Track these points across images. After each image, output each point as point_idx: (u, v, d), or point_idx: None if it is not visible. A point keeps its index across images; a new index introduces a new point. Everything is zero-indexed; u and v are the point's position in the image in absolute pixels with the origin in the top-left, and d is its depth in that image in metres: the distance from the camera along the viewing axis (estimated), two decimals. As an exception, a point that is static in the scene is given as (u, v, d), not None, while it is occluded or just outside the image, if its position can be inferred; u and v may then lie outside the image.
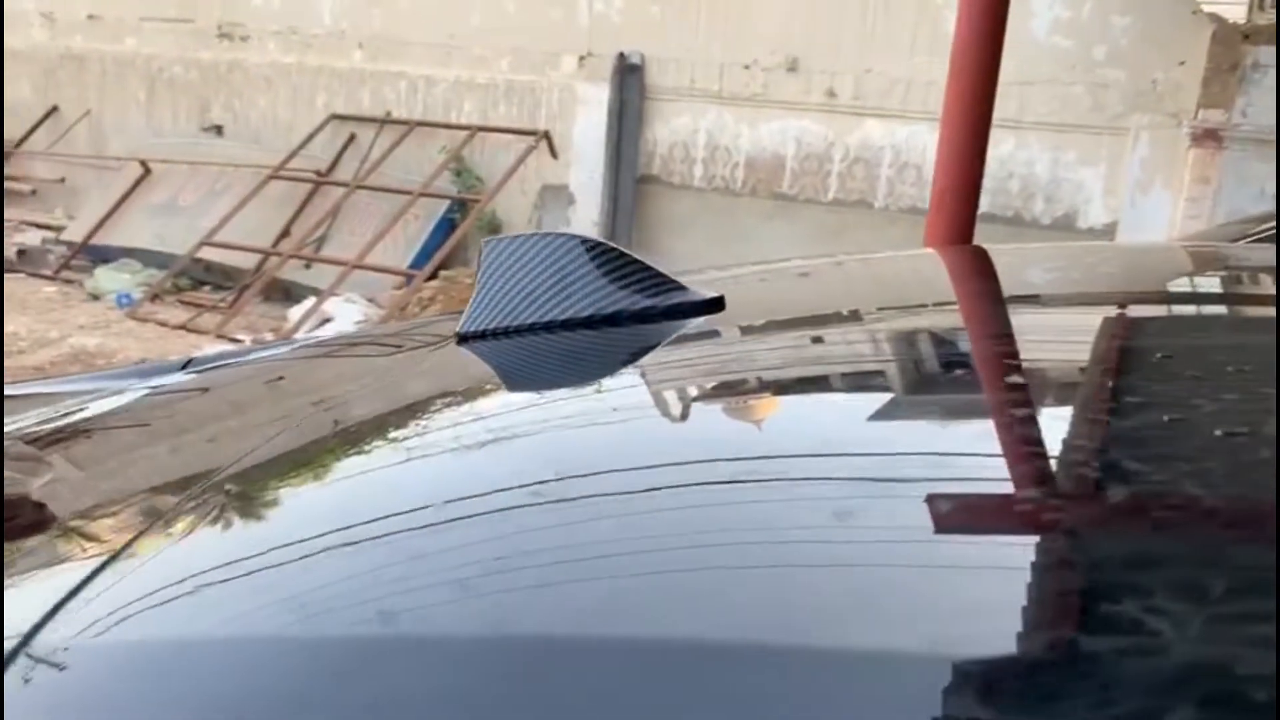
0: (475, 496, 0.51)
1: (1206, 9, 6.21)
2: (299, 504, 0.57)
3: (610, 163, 7.16)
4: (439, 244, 7.18)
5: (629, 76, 7.14)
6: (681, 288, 0.76)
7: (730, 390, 0.68)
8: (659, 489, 0.49)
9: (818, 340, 0.77)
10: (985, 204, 6.64)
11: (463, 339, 0.79)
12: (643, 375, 0.70)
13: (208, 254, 7.54)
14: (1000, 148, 6.45)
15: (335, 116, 8.12)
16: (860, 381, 0.70)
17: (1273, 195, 6.17)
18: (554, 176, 7.42)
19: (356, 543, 0.48)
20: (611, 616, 0.39)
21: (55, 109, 9.42)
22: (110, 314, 6.94)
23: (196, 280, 7.68)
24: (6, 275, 7.65)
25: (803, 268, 1.29)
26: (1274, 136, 6.13)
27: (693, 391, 0.67)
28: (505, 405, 0.68)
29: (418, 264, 7.15)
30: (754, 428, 0.61)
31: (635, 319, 0.74)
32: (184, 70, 8.90)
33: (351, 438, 0.66)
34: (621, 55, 7.10)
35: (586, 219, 7.35)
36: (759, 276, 1.22)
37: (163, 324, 6.74)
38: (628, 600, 0.40)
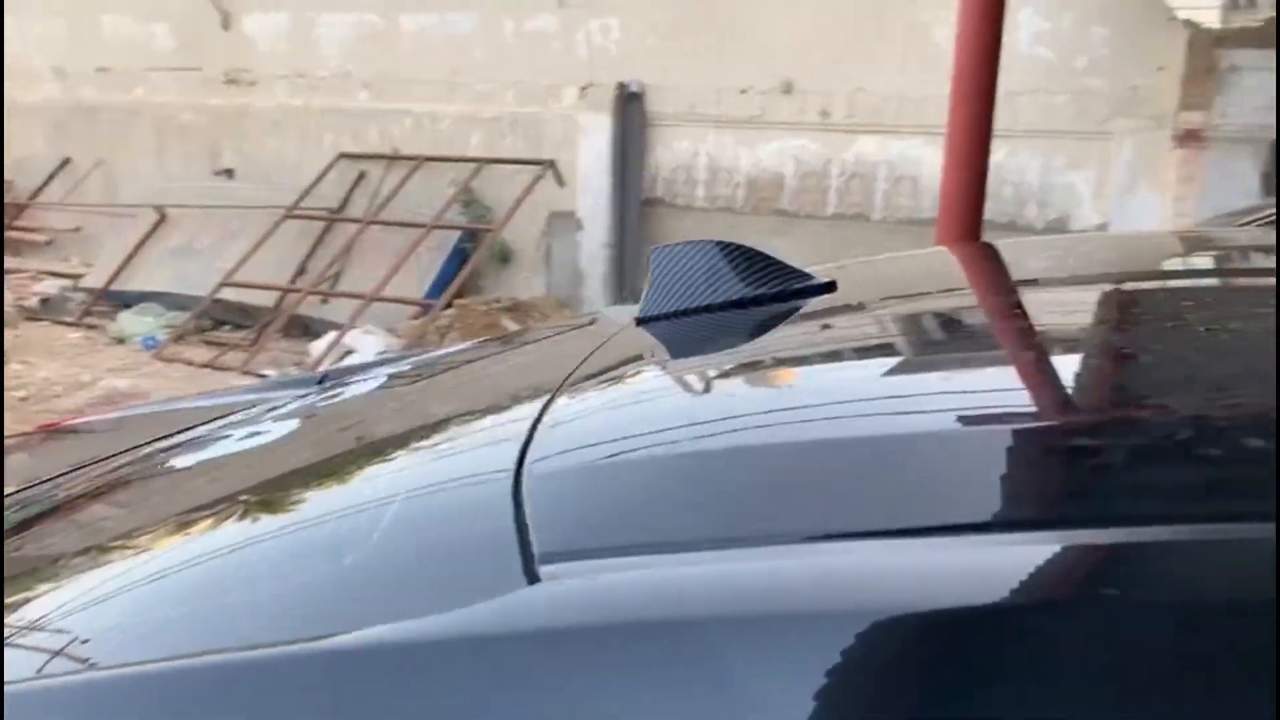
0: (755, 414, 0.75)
1: (1181, 15, 6.49)
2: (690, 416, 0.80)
3: (615, 188, 7.41)
4: (453, 274, 7.41)
5: (630, 105, 7.39)
6: (803, 275, 0.98)
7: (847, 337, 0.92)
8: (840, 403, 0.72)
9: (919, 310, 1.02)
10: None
11: (640, 322, 1.02)
12: (800, 335, 0.93)
13: (227, 294, 7.77)
14: (993, 156, 6.66)
15: (344, 155, 8.37)
16: (958, 342, 0.93)
17: (1255, 191, 6.42)
18: (561, 203, 7.67)
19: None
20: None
21: (68, 160, 9.66)
22: (138, 356, 7.15)
23: (217, 320, 7.90)
24: (31, 322, 7.86)
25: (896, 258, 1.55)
26: (1254, 135, 6.40)
27: (833, 345, 0.90)
28: (729, 360, 0.93)
29: (433, 294, 7.37)
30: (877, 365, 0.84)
31: (773, 299, 0.96)
32: (193, 117, 9.15)
33: (638, 385, 0.91)
34: (621, 85, 7.36)
35: (595, 242, 7.59)
36: (857, 268, 1.47)
37: (189, 363, 6.95)
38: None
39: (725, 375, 0.87)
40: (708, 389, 0.83)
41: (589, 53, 7.53)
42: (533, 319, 7.41)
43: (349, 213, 8.19)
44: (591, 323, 1.45)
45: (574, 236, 7.69)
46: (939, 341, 0.92)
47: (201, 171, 9.10)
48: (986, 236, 6.63)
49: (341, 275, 7.86)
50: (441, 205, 7.66)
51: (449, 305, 7.06)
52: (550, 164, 7.57)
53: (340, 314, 7.31)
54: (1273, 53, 6.26)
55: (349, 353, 6.74)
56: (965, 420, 0.68)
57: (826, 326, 0.95)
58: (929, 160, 6.94)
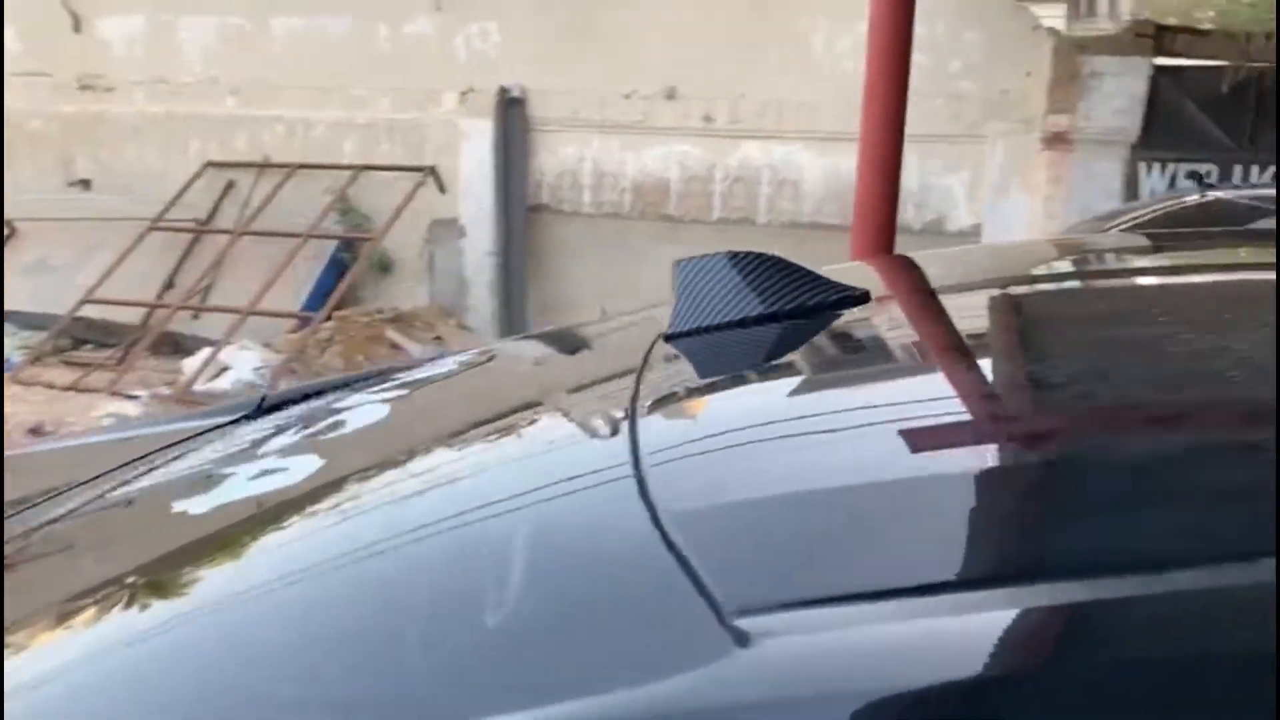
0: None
1: (1045, 23, 6.76)
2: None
3: (499, 194, 7.30)
4: (332, 285, 7.18)
5: (511, 109, 7.29)
6: (837, 285, 0.94)
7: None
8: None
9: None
10: (861, 214, 7.04)
11: (669, 338, 0.96)
12: (851, 350, 0.90)
13: (89, 311, 7.34)
14: (872, 160, 6.85)
15: (211, 164, 8.02)
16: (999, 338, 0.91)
17: (1117, 191, 6.73)
18: (443, 210, 7.51)
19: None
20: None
21: (-96, 172, 8.99)
22: (-10, 379, 6.69)
23: (77, 339, 7.46)
24: None
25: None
26: (1114, 137, 6.70)
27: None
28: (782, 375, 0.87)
29: (311, 306, 7.12)
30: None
31: (805, 313, 0.92)
32: (44, 125, 8.64)
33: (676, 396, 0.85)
34: (503, 89, 7.26)
35: (479, 250, 7.46)
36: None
37: (50, 386, 6.55)
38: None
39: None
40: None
41: (468, 57, 7.40)
42: (416, 329, 7.24)
43: (218, 223, 7.86)
44: (490, 359, 1.36)
45: (457, 244, 7.55)
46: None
47: (55, 182, 8.59)
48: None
49: (212, 289, 7.53)
50: (317, 214, 7.41)
51: (329, 317, 6.82)
52: (431, 170, 7.41)
53: (213, 330, 6.99)
54: (1130, 59, 6.58)
55: (224, 370, 6.46)
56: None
57: (898, 340, 0.92)
58: (809, 165, 7.06)
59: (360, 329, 6.94)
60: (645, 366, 0.87)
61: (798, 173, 7.06)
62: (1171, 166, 6.68)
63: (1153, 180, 6.71)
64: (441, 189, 7.43)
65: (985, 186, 6.90)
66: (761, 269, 0.94)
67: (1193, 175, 4.48)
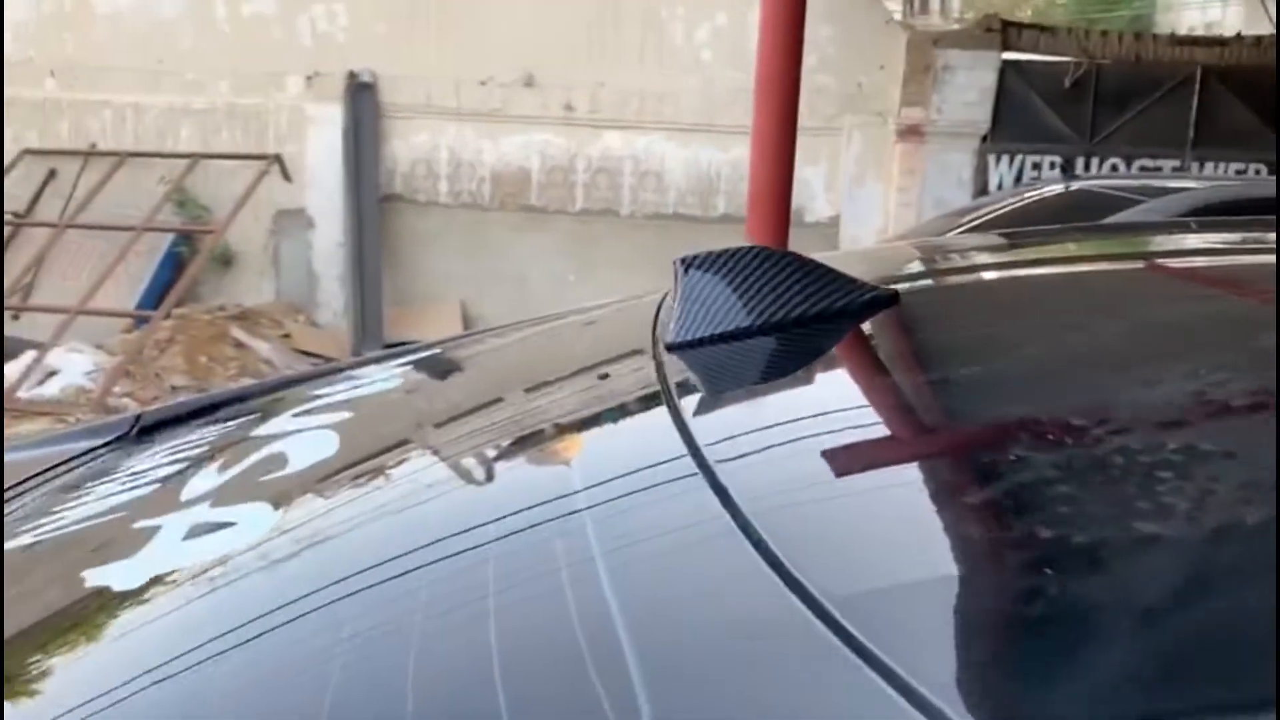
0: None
1: (898, 17, 6.86)
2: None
3: (350, 184, 6.97)
4: (169, 281, 6.73)
5: (361, 95, 6.97)
6: (861, 286, 0.81)
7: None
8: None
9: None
10: (722, 206, 7.03)
11: (671, 348, 0.81)
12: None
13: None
14: (734, 152, 6.84)
15: (29, 151, 7.41)
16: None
17: (968, 182, 6.90)
18: (289, 201, 7.13)
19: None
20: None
21: None
22: None
23: (-124, 342, 6.78)
24: None
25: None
26: (964, 130, 6.86)
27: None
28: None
29: (147, 304, 6.67)
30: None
31: (830, 318, 0.79)
32: None
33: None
34: (352, 74, 6.93)
35: (329, 242, 7.12)
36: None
37: None
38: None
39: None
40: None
41: (313, 39, 7.03)
42: (263, 326, 6.85)
43: (39, 216, 7.27)
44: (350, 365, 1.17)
45: (305, 236, 7.19)
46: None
47: None
48: (731, 233, 6.76)
49: (35, 287, 6.96)
50: (152, 206, 6.92)
51: (168, 316, 6.38)
52: (275, 158, 7.02)
53: (38, 331, 6.45)
54: (980, 53, 6.75)
55: (52, 374, 5.97)
56: None
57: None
58: (672, 155, 6.99)
59: (202, 328, 6.53)
60: (672, 394, 0.72)
61: (660, 164, 6.99)
62: (1019, 158, 6.89)
63: (1001, 171, 6.91)
64: (287, 178, 7.06)
65: (842, 178, 6.97)
66: (775, 267, 0.80)
67: (1063, 167, 4.59)
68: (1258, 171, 6.60)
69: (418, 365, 1.16)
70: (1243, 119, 6.77)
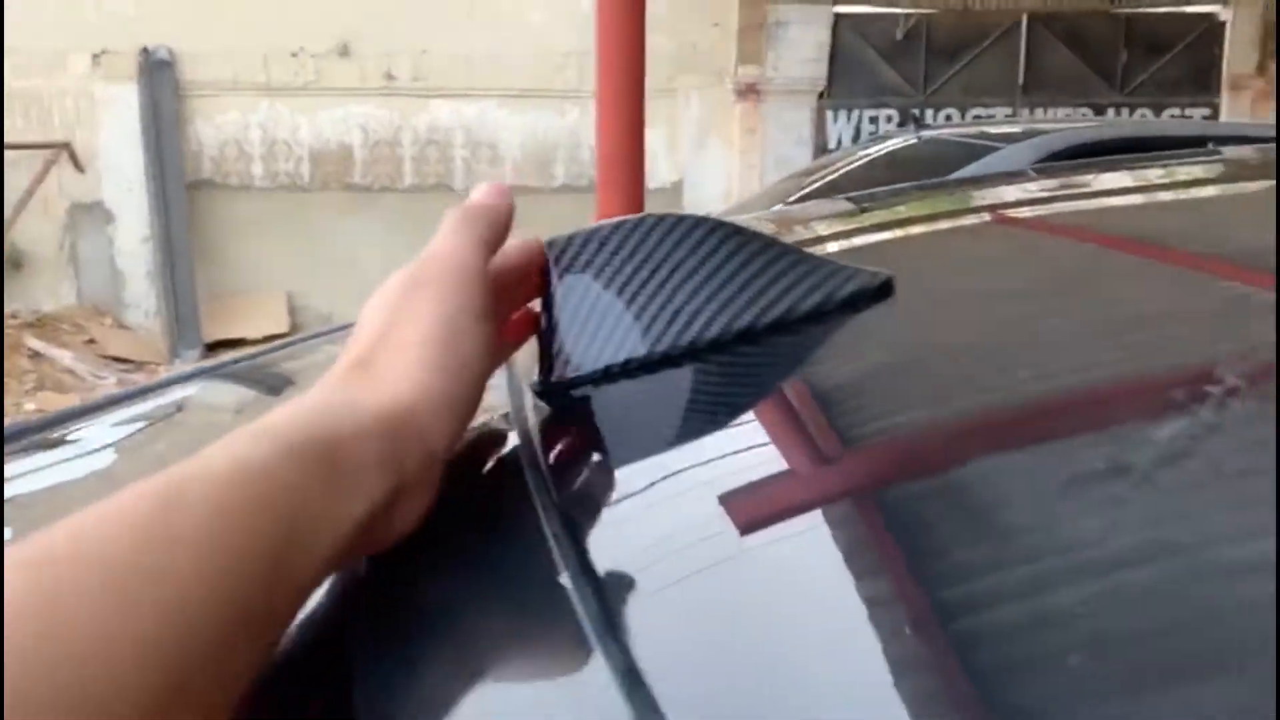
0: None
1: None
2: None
3: (152, 171, 6.35)
4: (-53, 289, 6.00)
5: (158, 74, 6.35)
6: (840, 271, 0.50)
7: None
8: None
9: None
10: (561, 175, 6.74)
11: (544, 394, 0.48)
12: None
13: None
14: (570, 118, 6.54)
15: None
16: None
17: (809, 139, 6.80)
18: (84, 193, 6.46)
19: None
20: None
21: None
22: None
23: None
24: None
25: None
26: (801, 86, 6.75)
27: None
28: None
29: (-78, 316, 5.93)
30: None
31: (802, 321, 0.48)
32: None
33: None
34: (146, 50, 6.30)
35: (133, 237, 6.49)
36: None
37: None
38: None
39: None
40: None
41: (99, 15, 6.35)
42: (65, 333, 6.21)
43: None
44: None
45: (105, 231, 6.54)
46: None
47: None
48: (570, 204, 6.47)
49: None
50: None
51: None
52: (64, 147, 6.35)
53: None
54: (812, 7, 6.63)
55: None
56: None
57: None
58: (507, 125, 6.65)
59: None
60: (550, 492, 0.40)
61: (493, 134, 6.63)
62: (857, 114, 6.83)
63: (840, 128, 6.84)
64: (79, 167, 6.39)
65: (683, 141, 6.77)
66: (706, 245, 0.49)
67: (912, 119, 4.47)
68: (1084, 115, 6.71)
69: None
70: (1068, 64, 6.88)
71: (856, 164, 3.85)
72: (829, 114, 6.83)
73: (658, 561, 0.37)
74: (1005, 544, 0.34)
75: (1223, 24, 6.87)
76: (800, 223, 1.26)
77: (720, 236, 0.49)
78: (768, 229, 1.22)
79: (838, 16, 6.68)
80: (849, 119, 6.85)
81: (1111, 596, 0.30)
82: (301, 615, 0.33)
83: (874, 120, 6.82)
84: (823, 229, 1.15)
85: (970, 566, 0.34)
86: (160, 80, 6.37)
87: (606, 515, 0.41)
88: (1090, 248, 0.80)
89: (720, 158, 6.80)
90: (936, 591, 0.33)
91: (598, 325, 0.48)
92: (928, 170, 3.15)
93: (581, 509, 0.41)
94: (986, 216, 1.08)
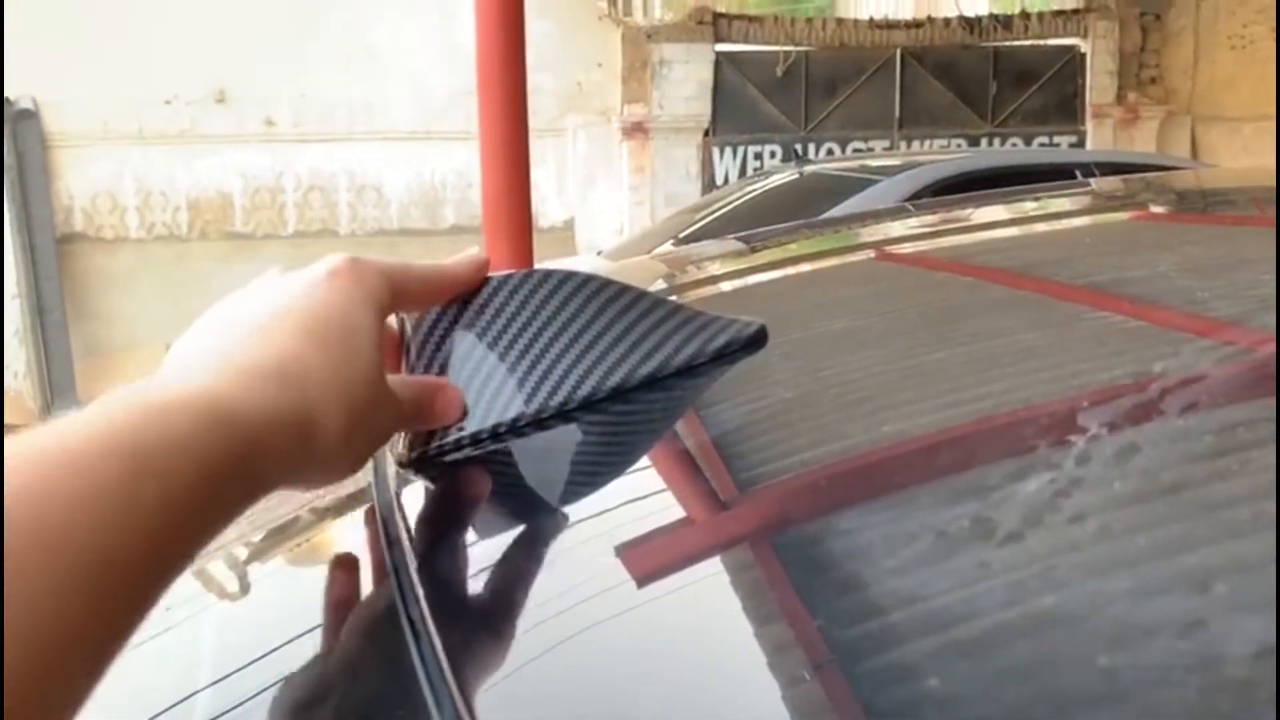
0: None
1: (602, 13, 6.72)
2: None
3: (18, 225, 6.08)
4: None
5: (22, 124, 6.11)
6: (713, 322, 0.49)
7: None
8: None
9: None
10: (452, 216, 6.68)
11: (413, 464, 0.44)
12: None
13: None
14: (456, 160, 6.49)
15: None
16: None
17: (696, 175, 6.88)
18: (-55, 251, 6.15)
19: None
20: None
21: None
22: None
23: None
24: None
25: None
26: (686, 124, 6.83)
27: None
28: None
29: None
30: None
31: (671, 377, 0.47)
32: None
33: None
34: (7, 101, 6.05)
35: (0, 295, 6.20)
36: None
37: None
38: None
39: None
40: None
41: (-45, 63, 6.09)
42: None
43: None
44: None
45: (-30, 290, 6.22)
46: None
47: None
48: (463, 244, 6.40)
49: None
50: None
51: None
52: (-79, 203, 6.04)
53: None
54: (694, 46, 6.73)
55: None
56: None
57: None
58: (391, 167, 6.57)
59: None
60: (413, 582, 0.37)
61: (378, 177, 6.54)
62: (741, 149, 6.94)
63: (726, 163, 6.94)
64: (-62, 224, 6.09)
65: (572, 180, 6.78)
66: (579, 302, 0.47)
67: (794, 153, 4.56)
68: (958, 145, 6.94)
69: None
70: (941, 97, 7.12)
71: (743, 199, 3.90)
72: (715, 150, 6.92)
73: (519, 645, 0.35)
74: (867, 592, 0.33)
75: (1083, 56, 7.20)
76: (694, 263, 1.26)
77: (589, 292, 0.47)
78: (652, 274, 1.21)
79: (719, 55, 6.79)
80: (734, 154, 6.96)
81: (972, 644, 0.29)
82: None
83: (758, 156, 6.94)
84: (716, 269, 1.16)
85: (841, 611, 0.32)
86: (25, 132, 6.13)
87: (472, 601, 0.40)
88: (967, 282, 0.81)
89: (610, 195, 6.83)
90: (800, 638, 0.31)
91: (478, 390, 0.46)
92: (811, 203, 3.20)
93: (446, 595, 0.39)
94: (871, 253, 1.09)
